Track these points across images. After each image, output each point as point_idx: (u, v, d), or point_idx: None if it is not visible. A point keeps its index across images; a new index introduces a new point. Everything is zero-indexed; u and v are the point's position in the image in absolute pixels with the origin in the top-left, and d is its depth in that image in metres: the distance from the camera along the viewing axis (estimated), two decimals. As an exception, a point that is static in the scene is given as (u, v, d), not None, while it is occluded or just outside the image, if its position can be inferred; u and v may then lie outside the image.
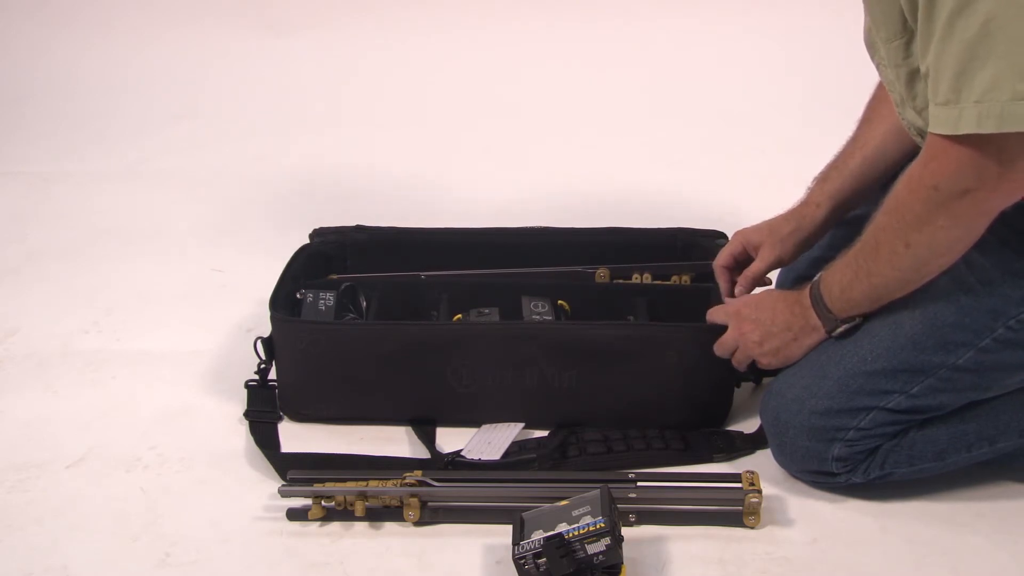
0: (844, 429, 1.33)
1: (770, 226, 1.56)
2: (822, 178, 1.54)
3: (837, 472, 1.36)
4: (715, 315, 1.47)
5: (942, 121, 1.17)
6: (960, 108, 1.15)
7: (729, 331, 1.44)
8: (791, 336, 1.39)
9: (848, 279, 1.33)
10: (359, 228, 1.75)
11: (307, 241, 1.74)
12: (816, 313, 1.37)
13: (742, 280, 1.55)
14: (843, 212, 1.53)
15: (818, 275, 1.39)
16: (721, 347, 1.45)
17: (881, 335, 1.33)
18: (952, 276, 1.29)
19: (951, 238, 1.23)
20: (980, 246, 1.26)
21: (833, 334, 1.37)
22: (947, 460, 1.36)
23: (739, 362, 1.45)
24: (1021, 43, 1.11)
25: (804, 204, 1.55)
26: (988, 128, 1.13)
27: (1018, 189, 1.19)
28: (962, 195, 1.19)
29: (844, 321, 1.36)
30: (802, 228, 1.54)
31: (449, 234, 1.76)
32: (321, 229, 1.75)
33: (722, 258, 1.58)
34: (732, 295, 1.55)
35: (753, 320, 1.42)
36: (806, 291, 1.39)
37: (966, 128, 1.15)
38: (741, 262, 1.58)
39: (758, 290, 1.54)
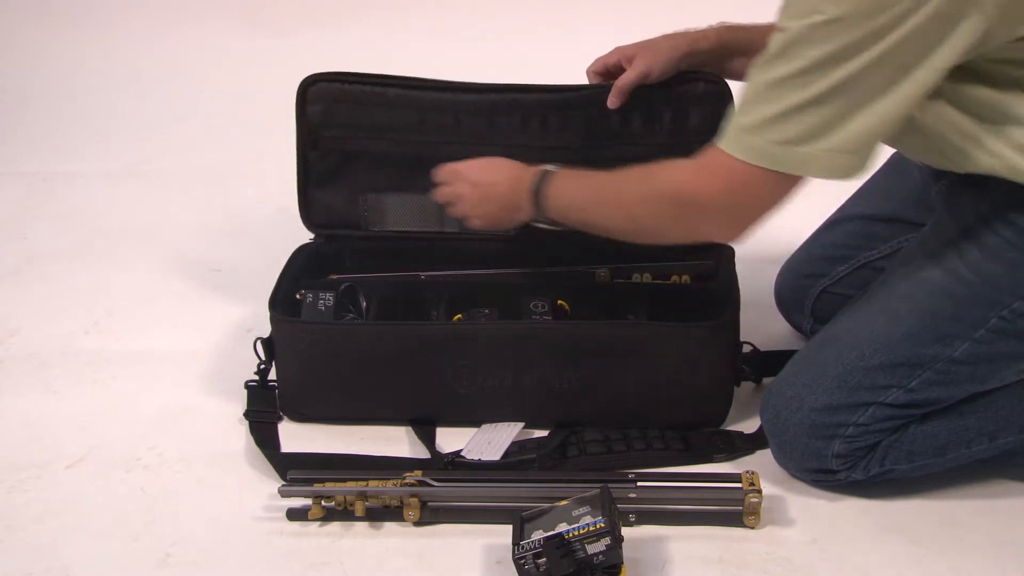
0: (844, 425, 1.33)
1: (650, 41, 1.59)
2: (729, 25, 1.58)
3: (837, 469, 1.36)
4: (440, 172, 1.52)
5: (722, 136, 1.24)
6: (734, 131, 1.21)
7: (450, 187, 1.51)
8: (503, 207, 1.47)
9: (575, 198, 1.40)
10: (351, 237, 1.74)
11: (307, 241, 1.74)
12: (530, 200, 1.42)
13: (614, 90, 1.57)
14: (727, 53, 1.57)
15: (555, 167, 1.43)
16: (439, 196, 1.53)
17: (878, 330, 1.34)
18: (946, 269, 1.31)
19: (669, 234, 1.36)
20: (972, 237, 1.29)
21: (535, 223, 1.45)
22: (947, 456, 1.36)
23: (453, 214, 1.53)
24: (789, 97, 1.16)
25: (695, 30, 1.58)
26: (741, 155, 1.20)
27: (734, 228, 1.29)
28: (695, 212, 1.28)
29: (547, 222, 1.43)
30: (678, 47, 1.56)
31: (449, 235, 1.75)
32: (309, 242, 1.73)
33: (595, 65, 1.61)
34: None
35: (474, 183, 1.48)
36: (532, 173, 1.43)
37: (727, 146, 1.22)
38: (614, 73, 1.60)
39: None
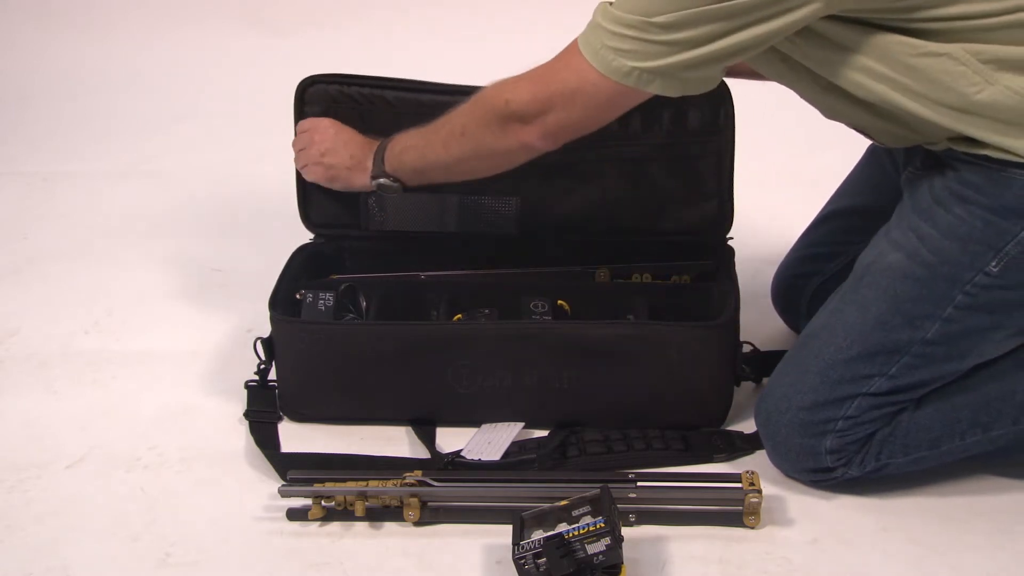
0: (832, 420, 1.34)
1: None
2: None
3: (833, 467, 1.36)
4: (303, 123, 1.61)
5: (581, 37, 1.28)
6: (592, 32, 1.27)
7: (306, 133, 1.59)
8: (347, 164, 1.55)
9: (412, 143, 1.48)
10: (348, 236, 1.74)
11: (307, 241, 1.74)
12: (372, 157, 1.52)
13: None
14: None
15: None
16: (296, 141, 1.61)
17: (851, 321, 1.35)
18: (907, 252, 1.32)
19: (490, 150, 1.39)
20: (928, 219, 1.30)
21: (373, 182, 1.52)
22: (942, 448, 1.36)
23: (299, 160, 1.61)
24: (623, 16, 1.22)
25: None
26: (592, 60, 1.25)
27: (544, 140, 1.35)
28: (516, 120, 1.34)
29: (386, 176, 1.51)
30: None
31: (449, 235, 1.75)
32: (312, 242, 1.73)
33: None
34: None
35: (331, 134, 1.57)
36: (380, 140, 1.53)
37: (581, 42, 1.27)
38: None
39: None
